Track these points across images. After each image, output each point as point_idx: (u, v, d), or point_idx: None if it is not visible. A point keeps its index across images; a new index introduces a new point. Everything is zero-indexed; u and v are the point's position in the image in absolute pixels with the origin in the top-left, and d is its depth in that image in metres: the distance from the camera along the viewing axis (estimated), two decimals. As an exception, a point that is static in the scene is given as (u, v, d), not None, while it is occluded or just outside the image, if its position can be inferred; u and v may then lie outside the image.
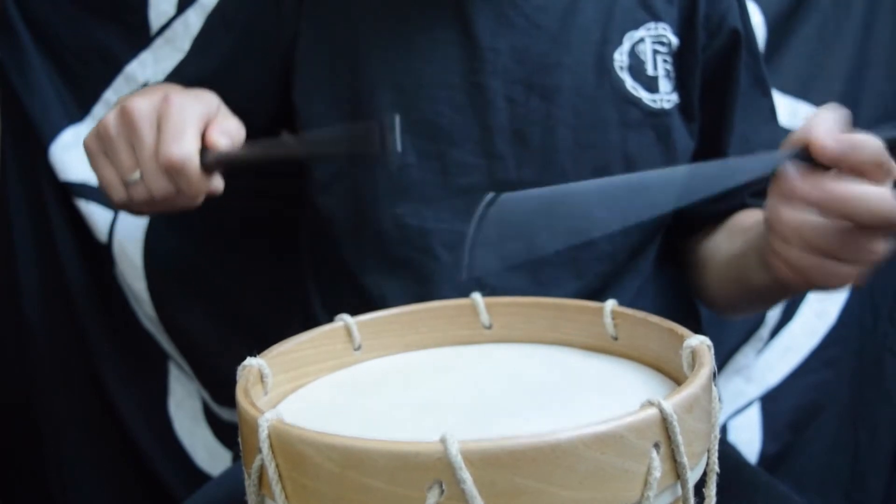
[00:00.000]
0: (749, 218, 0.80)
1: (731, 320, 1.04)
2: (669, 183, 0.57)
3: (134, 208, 0.67)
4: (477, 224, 0.53)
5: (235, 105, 0.82)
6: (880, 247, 0.58)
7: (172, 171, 0.60)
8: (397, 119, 0.53)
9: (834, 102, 1.02)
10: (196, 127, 0.62)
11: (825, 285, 0.61)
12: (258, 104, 0.85)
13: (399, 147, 0.55)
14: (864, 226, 0.56)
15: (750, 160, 0.59)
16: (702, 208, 0.85)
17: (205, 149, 0.61)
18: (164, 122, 0.61)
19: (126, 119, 0.61)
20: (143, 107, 0.61)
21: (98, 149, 0.64)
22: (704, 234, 0.86)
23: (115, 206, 0.68)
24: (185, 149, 0.60)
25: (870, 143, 0.55)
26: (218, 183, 0.64)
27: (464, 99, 0.77)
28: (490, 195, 0.53)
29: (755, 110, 0.84)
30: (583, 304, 0.60)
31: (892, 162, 0.55)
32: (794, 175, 0.56)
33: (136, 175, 0.63)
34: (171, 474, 1.09)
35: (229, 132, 0.64)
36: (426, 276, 0.78)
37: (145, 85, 1.02)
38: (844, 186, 0.55)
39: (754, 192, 0.82)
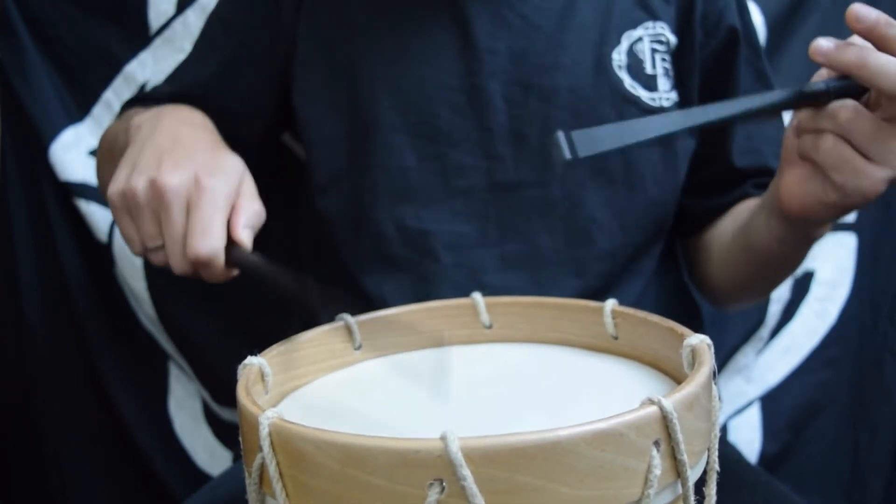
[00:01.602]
0: (753, 201, 0.80)
1: (731, 319, 1.04)
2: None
3: (151, 261, 0.67)
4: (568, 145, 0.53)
5: (235, 109, 0.82)
6: None
7: (198, 264, 0.61)
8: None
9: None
10: (224, 217, 0.61)
11: (852, 191, 0.59)
12: (257, 108, 0.85)
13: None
14: (891, 97, 0.56)
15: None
16: (704, 203, 0.85)
17: (230, 244, 0.61)
18: (195, 211, 0.60)
19: (156, 195, 0.60)
20: (174, 185, 0.60)
21: (123, 207, 0.63)
22: (706, 230, 0.86)
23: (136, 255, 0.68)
24: (213, 246, 0.59)
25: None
26: (235, 272, 0.64)
27: (462, 100, 0.77)
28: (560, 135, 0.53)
29: None
30: (583, 304, 0.60)
31: None
32: (827, 45, 0.57)
33: (159, 243, 0.63)
34: (171, 474, 1.09)
35: (251, 222, 0.63)
36: (426, 278, 0.78)
37: (144, 85, 1.02)
38: (875, 53, 0.55)
39: (758, 184, 0.82)
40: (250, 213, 0.63)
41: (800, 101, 0.59)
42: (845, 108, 0.57)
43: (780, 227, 0.68)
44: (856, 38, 0.58)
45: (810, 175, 0.62)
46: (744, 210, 0.80)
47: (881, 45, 0.56)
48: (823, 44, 0.57)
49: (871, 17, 0.56)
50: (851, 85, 0.58)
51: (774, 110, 0.60)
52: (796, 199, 0.63)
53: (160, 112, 0.75)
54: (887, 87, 0.55)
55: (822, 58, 0.57)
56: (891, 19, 0.56)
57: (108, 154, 0.80)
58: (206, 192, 0.60)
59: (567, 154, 0.53)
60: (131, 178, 0.63)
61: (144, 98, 0.86)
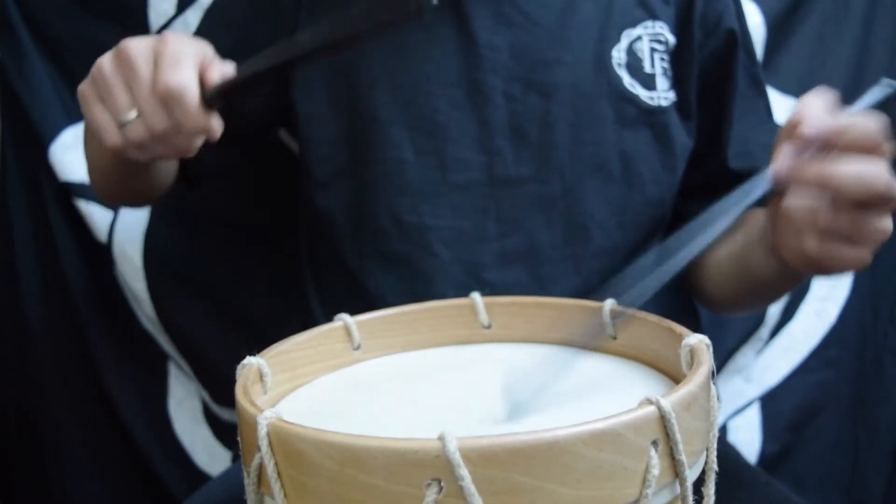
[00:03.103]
0: (749, 216, 0.80)
1: (731, 319, 1.04)
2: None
3: (128, 152, 0.64)
4: None
5: (234, 105, 0.82)
6: (888, 223, 0.58)
7: (171, 99, 0.59)
8: None
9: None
10: (194, 59, 0.60)
11: (838, 270, 0.61)
12: (255, 104, 0.85)
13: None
14: (861, 203, 0.56)
15: (736, 194, 0.59)
16: (698, 207, 0.85)
17: (203, 85, 0.61)
18: (161, 56, 0.60)
19: (121, 57, 0.60)
20: (139, 44, 0.61)
21: (93, 94, 0.63)
22: None
23: (108, 149, 0.65)
24: (184, 77, 0.58)
25: (856, 123, 0.55)
26: (216, 122, 0.62)
27: (462, 96, 0.77)
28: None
29: (753, 110, 0.84)
30: (582, 304, 0.60)
31: (885, 137, 0.56)
32: (786, 163, 0.56)
33: (132, 114, 0.61)
34: (171, 474, 1.09)
35: (225, 74, 0.63)
36: (425, 274, 0.78)
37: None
38: (833, 166, 0.55)
39: None
40: (222, 66, 0.62)
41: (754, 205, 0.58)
42: (820, 211, 0.57)
43: (778, 264, 0.68)
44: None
45: (804, 241, 0.60)
46: (739, 227, 0.80)
47: (842, 149, 0.55)
48: (782, 168, 0.56)
49: (821, 132, 0.55)
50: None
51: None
52: (794, 262, 0.63)
53: None
54: (854, 194, 0.55)
55: (783, 180, 0.57)
56: (840, 125, 0.55)
57: (92, 137, 0.79)
58: (171, 41, 0.60)
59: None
60: (98, 62, 0.63)
61: None
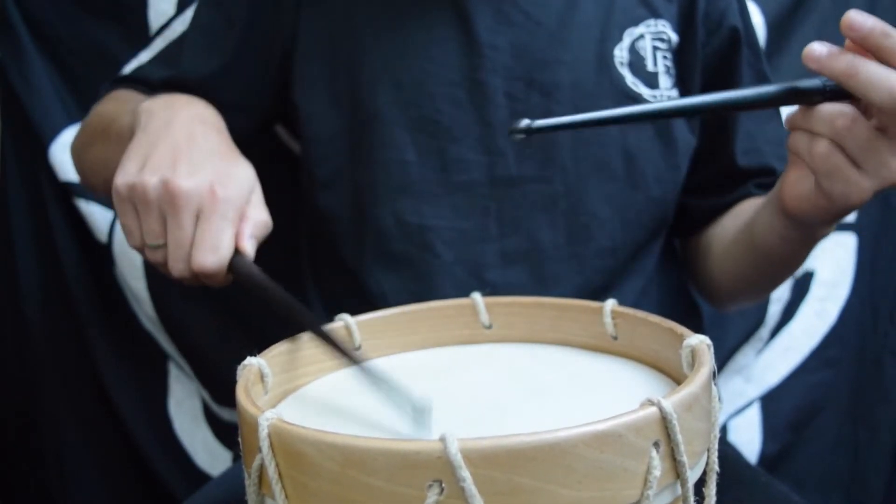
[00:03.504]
0: (755, 200, 0.80)
1: (732, 319, 1.04)
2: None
3: (147, 258, 0.66)
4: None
5: (233, 102, 0.82)
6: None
7: (200, 275, 0.60)
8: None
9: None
10: (234, 231, 0.61)
11: (837, 196, 0.60)
12: (256, 102, 0.85)
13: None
14: (882, 120, 0.56)
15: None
16: (705, 203, 0.85)
17: (235, 252, 0.61)
18: (205, 223, 0.60)
19: (169, 197, 0.60)
20: (188, 190, 0.60)
21: (129, 199, 0.62)
22: (707, 230, 0.86)
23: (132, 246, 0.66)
24: (221, 260, 0.59)
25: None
26: (230, 279, 0.64)
27: (463, 96, 0.77)
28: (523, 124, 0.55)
29: None
30: (583, 304, 0.60)
31: None
32: (825, 48, 0.56)
33: (161, 242, 0.62)
34: (171, 474, 1.09)
35: (257, 233, 0.63)
36: (426, 274, 0.78)
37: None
38: (868, 64, 0.55)
39: (759, 184, 0.82)
40: (258, 224, 0.63)
41: (793, 97, 0.59)
42: (843, 115, 0.57)
43: (783, 225, 0.68)
44: None
45: (805, 177, 0.62)
46: (747, 208, 0.80)
47: (876, 54, 0.55)
48: (816, 49, 0.56)
49: (865, 26, 0.55)
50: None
51: (767, 103, 0.60)
52: (793, 199, 0.63)
53: (172, 103, 0.74)
54: (877, 99, 0.55)
55: (815, 63, 0.56)
56: (888, 28, 0.55)
57: (103, 134, 0.79)
58: (219, 204, 0.60)
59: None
60: (143, 172, 0.62)
61: (134, 79, 0.86)
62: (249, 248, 0.62)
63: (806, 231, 0.69)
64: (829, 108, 0.57)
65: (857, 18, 0.55)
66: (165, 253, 0.62)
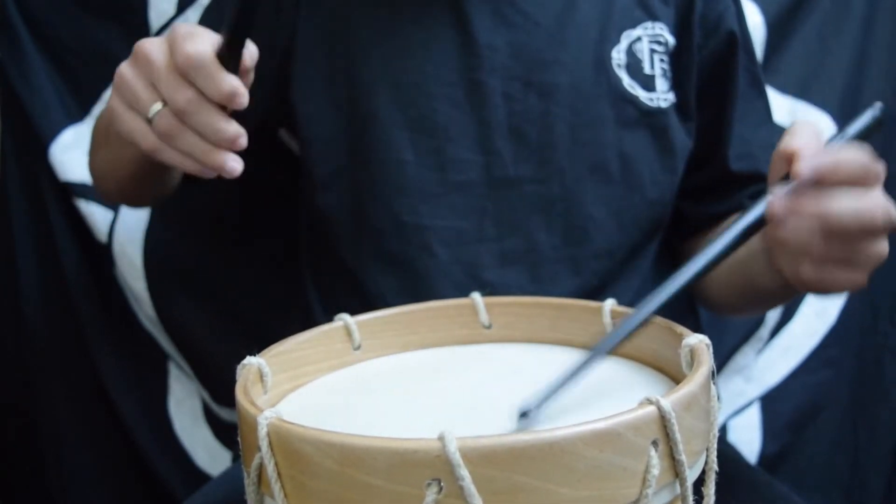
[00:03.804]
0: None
1: (731, 319, 1.04)
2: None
3: (163, 152, 0.63)
4: None
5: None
6: (883, 247, 0.59)
7: (190, 69, 0.58)
8: None
9: (834, 102, 1.03)
10: (207, 33, 0.61)
11: (836, 292, 0.62)
12: (255, 104, 0.85)
13: None
14: (858, 235, 0.57)
15: (733, 228, 0.57)
16: (700, 210, 0.85)
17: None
18: (174, 39, 0.60)
19: (138, 55, 0.61)
20: (153, 42, 0.61)
21: (119, 103, 0.63)
22: (703, 235, 0.86)
23: (144, 153, 0.65)
24: (199, 45, 0.58)
25: (847, 159, 0.55)
26: (239, 85, 0.61)
27: (461, 96, 0.77)
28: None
29: (753, 111, 0.84)
30: (582, 304, 0.60)
31: (876, 167, 0.56)
32: (780, 203, 0.56)
33: (158, 106, 0.61)
34: (171, 474, 1.09)
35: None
36: (423, 274, 0.78)
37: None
38: (829, 203, 0.55)
39: (752, 195, 0.82)
40: None
41: (753, 230, 0.58)
42: (817, 241, 0.57)
43: (781, 278, 0.68)
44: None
45: (802, 268, 0.61)
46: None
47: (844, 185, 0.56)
48: (777, 205, 0.56)
49: (815, 175, 0.55)
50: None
51: (732, 249, 0.59)
52: (793, 283, 0.63)
53: None
54: (849, 228, 0.56)
55: (780, 217, 0.56)
56: (834, 164, 0.55)
57: (104, 139, 0.79)
58: (184, 28, 0.60)
59: None
60: (118, 69, 0.63)
61: None
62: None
63: None
64: (798, 238, 0.57)
65: (806, 170, 0.55)
66: (168, 107, 0.61)
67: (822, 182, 0.56)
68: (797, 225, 0.57)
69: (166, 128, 0.61)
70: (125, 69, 0.62)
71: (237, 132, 0.61)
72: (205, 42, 0.59)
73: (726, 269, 0.79)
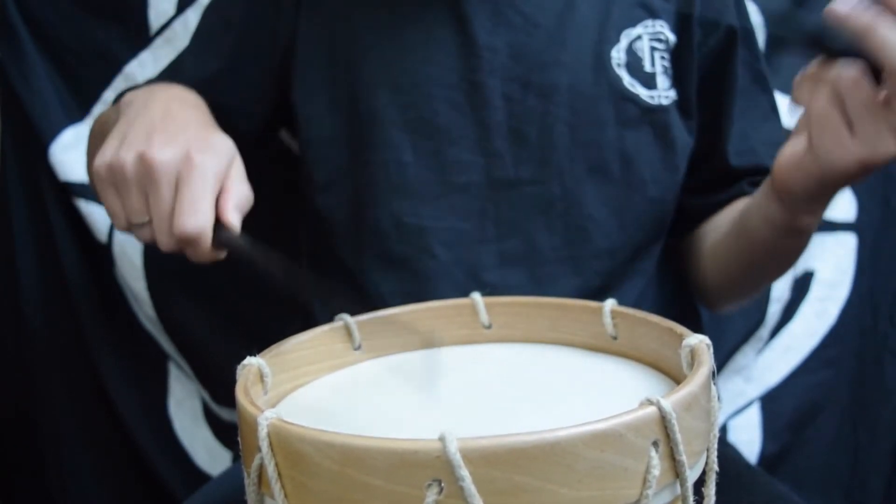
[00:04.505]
0: (748, 199, 0.80)
1: (731, 319, 1.04)
2: None
3: (135, 237, 0.66)
4: None
5: (234, 106, 0.82)
6: (893, 138, 0.56)
7: (184, 242, 0.60)
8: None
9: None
10: (213, 196, 0.60)
11: (824, 159, 0.58)
12: (256, 104, 0.85)
13: None
14: (891, 72, 0.53)
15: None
16: (700, 202, 0.85)
17: (218, 224, 0.61)
18: (183, 188, 0.59)
19: (145, 169, 0.60)
20: (164, 160, 0.60)
21: (109, 181, 0.62)
22: (703, 223, 0.86)
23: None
24: (201, 224, 0.58)
25: None
26: (223, 254, 0.63)
27: (461, 97, 0.77)
28: None
29: (755, 107, 0.84)
30: (582, 304, 0.60)
31: None
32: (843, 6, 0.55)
33: (144, 219, 0.62)
34: (171, 474, 1.09)
35: (240, 204, 0.63)
36: (424, 275, 0.78)
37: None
38: (887, 26, 0.53)
39: (753, 182, 0.82)
40: (239, 195, 0.63)
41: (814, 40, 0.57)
42: (849, 71, 0.55)
43: (772, 208, 0.68)
44: None
45: (800, 141, 0.61)
46: (739, 205, 0.80)
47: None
48: (837, 4, 0.54)
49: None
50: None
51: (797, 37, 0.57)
52: (783, 162, 0.63)
53: (152, 88, 0.74)
54: (889, 63, 0.53)
55: (832, 18, 0.54)
56: None
57: (100, 138, 0.79)
58: (196, 170, 0.60)
59: None
60: (120, 150, 0.62)
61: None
62: (234, 219, 0.61)
63: (792, 214, 0.68)
64: (840, 63, 0.56)
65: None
66: (152, 229, 0.62)
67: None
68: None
69: (144, 239, 0.63)
70: (128, 164, 0.61)
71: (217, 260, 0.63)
72: (205, 217, 0.59)
73: (724, 229, 0.79)
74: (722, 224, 0.82)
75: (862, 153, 0.57)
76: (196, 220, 0.59)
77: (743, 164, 0.83)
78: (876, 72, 0.55)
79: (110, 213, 0.64)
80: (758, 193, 0.72)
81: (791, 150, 0.63)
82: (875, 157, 0.57)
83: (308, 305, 0.87)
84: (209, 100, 0.80)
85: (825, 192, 0.64)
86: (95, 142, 0.82)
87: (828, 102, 0.57)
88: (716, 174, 0.84)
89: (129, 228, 0.64)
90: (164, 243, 0.61)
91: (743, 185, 0.83)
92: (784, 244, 0.73)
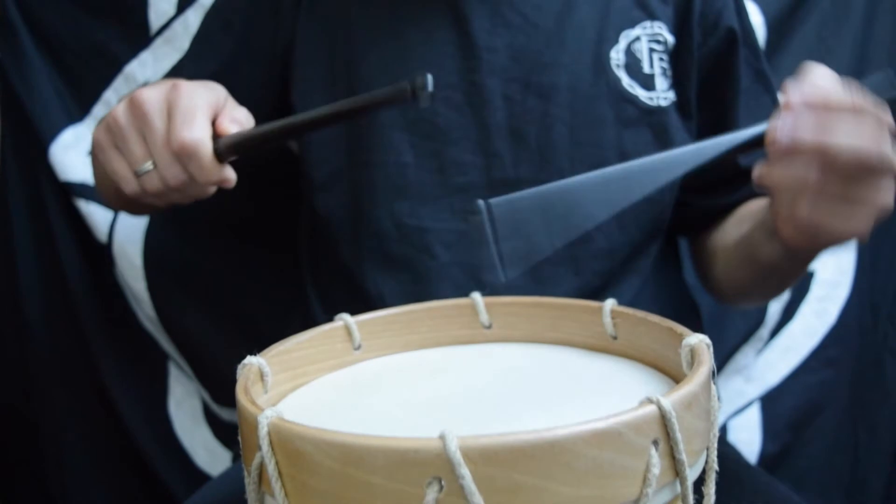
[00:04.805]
0: (757, 205, 0.80)
1: (731, 319, 1.04)
2: (660, 162, 0.57)
3: (146, 199, 0.66)
4: (490, 230, 0.53)
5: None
6: (887, 194, 0.58)
7: (185, 155, 0.60)
8: (429, 78, 0.52)
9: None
10: (206, 112, 0.61)
11: (836, 237, 0.60)
12: (256, 106, 0.85)
13: (430, 94, 0.53)
14: (857, 173, 0.56)
15: (739, 133, 0.59)
16: (712, 202, 0.85)
17: (216, 136, 0.61)
18: (175, 109, 0.60)
19: (136, 109, 0.61)
20: (152, 95, 0.61)
21: (108, 141, 0.64)
22: (714, 227, 0.86)
23: (127, 197, 0.67)
24: (197, 132, 0.59)
25: (837, 90, 0.56)
26: (230, 173, 0.63)
27: (461, 98, 0.77)
28: (480, 204, 0.53)
29: (759, 106, 0.84)
30: (582, 304, 0.60)
31: (871, 107, 0.56)
32: (784, 131, 0.56)
33: (148, 165, 0.62)
34: (171, 474, 1.09)
35: (239, 120, 0.63)
36: (424, 275, 0.78)
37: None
38: (830, 135, 0.55)
39: None
40: (235, 114, 0.63)
41: (753, 145, 0.58)
42: (813, 170, 0.57)
43: (782, 248, 0.68)
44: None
45: (798, 215, 0.61)
46: (747, 215, 0.80)
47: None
48: (780, 137, 0.56)
49: (807, 102, 0.55)
50: None
51: (736, 152, 0.59)
52: (793, 241, 0.63)
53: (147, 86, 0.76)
54: (847, 164, 0.55)
55: (781, 149, 0.56)
56: (826, 95, 0.55)
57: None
58: (184, 91, 0.61)
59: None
60: (112, 110, 0.63)
61: None
62: (232, 130, 0.62)
63: (807, 252, 0.69)
64: (794, 173, 0.57)
65: (795, 99, 0.56)
66: (159, 171, 0.62)
67: (816, 109, 0.55)
68: (794, 159, 0.57)
69: (152, 188, 0.63)
70: (120, 114, 0.62)
71: (222, 182, 0.63)
72: (201, 127, 0.60)
73: (732, 245, 0.80)
74: (730, 239, 0.82)
75: (868, 213, 0.59)
76: (191, 129, 0.59)
77: (750, 164, 0.83)
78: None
79: (117, 177, 0.65)
80: (762, 229, 0.72)
81: (796, 234, 0.62)
82: (881, 209, 0.60)
83: (306, 295, 0.87)
84: None
85: (841, 244, 0.65)
86: (95, 148, 0.82)
87: (814, 203, 0.59)
88: (723, 175, 0.84)
89: (139, 185, 0.64)
90: (169, 172, 0.61)
91: (751, 186, 0.83)
92: (797, 266, 0.75)
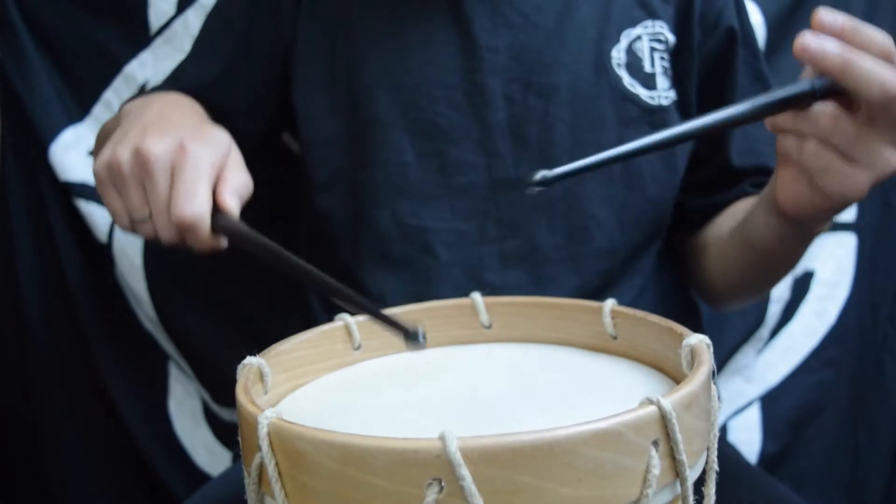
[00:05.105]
0: (750, 201, 0.80)
1: (731, 319, 1.04)
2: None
3: (139, 234, 0.67)
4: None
5: (236, 108, 0.82)
6: (891, 151, 0.57)
7: (183, 228, 0.60)
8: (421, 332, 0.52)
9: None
10: (209, 183, 0.61)
11: (835, 194, 0.59)
12: (258, 106, 0.85)
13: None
14: (872, 104, 0.54)
15: (774, 92, 0.57)
16: (704, 201, 0.85)
17: (216, 211, 0.61)
18: (179, 175, 0.60)
19: (141, 162, 0.60)
20: (158, 152, 0.60)
21: (108, 180, 0.63)
22: (706, 224, 0.86)
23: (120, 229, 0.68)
24: (198, 209, 0.59)
25: (871, 30, 0.54)
26: (224, 243, 0.64)
27: (462, 98, 0.77)
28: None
29: None
30: (582, 304, 0.60)
31: None
32: (814, 41, 0.54)
33: (145, 215, 0.62)
34: (171, 474, 1.09)
35: (238, 190, 0.63)
36: (425, 275, 0.78)
37: (144, 85, 1.02)
38: (860, 59, 0.53)
39: (755, 183, 0.82)
40: (237, 181, 0.63)
41: (784, 105, 0.57)
42: (826, 113, 0.55)
43: (778, 224, 0.68)
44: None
45: (799, 176, 0.61)
46: (742, 207, 0.80)
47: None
48: (808, 42, 0.54)
49: (836, 24, 0.54)
50: (837, 84, 0.55)
51: (760, 115, 0.58)
52: (789, 200, 0.63)
53: (149, 96, 0.76)
54: (868, 94, 0.53)
55: (806, 57, 0.55)
56: (857, 24, 0.54)
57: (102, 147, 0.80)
58: (190, 157, 0.60)
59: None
60: (116, 149, 0.63)
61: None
62: (232, 203, 0.62)
63: (802, 229, 0.69)
64: (813, 108, 0.56)
65: (827, 18, 0.54)
66: (153, 224, 0.62)
67: (847, 33, 0.54)
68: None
69: (146, 235, 0.64)
70: (125, 161, 0.62)
71: (216, 249, 0.63)
72: (202, 203, 0.60)
73: (727, 234, 0.80)
74: (724, 230, 0.82)
75: (868, 176, 0.57)
76: (192, 205, 0.59)
77: (745, 164, 0.83)
78: (841, 96, 0.56)
79: (112, 213, 0.65)
80: (760, 209, 0.72)
81: (792, 189, 0.62)
82: (882, 173, 0.57)
83: (306, 295, 0.87)
84: (211, 102, 0.80)
85: (837, 212, 0.64)
86: (98, 151, 0.83)
87: (817, 148, 0.57)
88: (718, 174, 0.84)
89: (132, 227, 0.65)
90: (165, 234, 0.61)
91: (745, 185, 0.83)
92: (792, 250, 0.74)
